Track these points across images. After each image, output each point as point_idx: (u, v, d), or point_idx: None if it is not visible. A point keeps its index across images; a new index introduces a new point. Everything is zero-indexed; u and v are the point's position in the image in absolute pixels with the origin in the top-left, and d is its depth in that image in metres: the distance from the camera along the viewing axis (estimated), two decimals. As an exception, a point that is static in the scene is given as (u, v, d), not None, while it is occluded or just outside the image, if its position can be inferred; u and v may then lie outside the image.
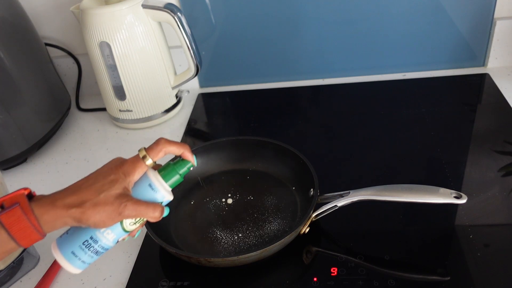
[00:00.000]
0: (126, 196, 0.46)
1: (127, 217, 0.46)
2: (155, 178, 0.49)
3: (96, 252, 0.48)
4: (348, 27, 0.93)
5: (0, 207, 0.43)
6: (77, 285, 0.62)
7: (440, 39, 0.93)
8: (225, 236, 0.64)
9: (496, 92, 0.87)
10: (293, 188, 0.70)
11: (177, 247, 0.62)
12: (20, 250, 0.63)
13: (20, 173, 0.85)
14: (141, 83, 0.87)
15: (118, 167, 0.47)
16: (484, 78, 0.92)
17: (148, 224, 0.62)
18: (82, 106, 1.03)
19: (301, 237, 0.61)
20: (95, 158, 0.86)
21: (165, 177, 0.49)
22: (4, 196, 0.44)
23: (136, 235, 0.51)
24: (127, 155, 0.91)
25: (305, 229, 0.60)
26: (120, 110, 0.90)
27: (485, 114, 0.83)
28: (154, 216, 0.48)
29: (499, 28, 0.91)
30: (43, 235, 0.44)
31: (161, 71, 0.89)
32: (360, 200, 0.59)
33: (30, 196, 0.45)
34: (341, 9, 0.91)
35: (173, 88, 0.92)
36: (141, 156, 0.48)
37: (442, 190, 0.57)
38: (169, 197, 0.50)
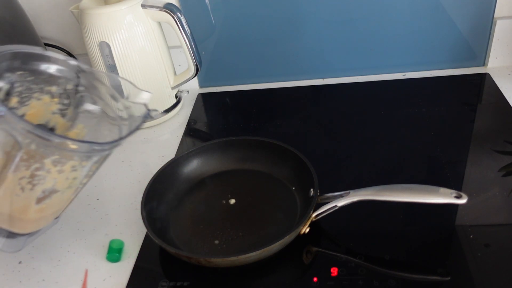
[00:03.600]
0: None
1: None
2: None
3: None
4: (348, 27, 0.93)
5: None
6: (77, 285, 0.62)
7: (440, 39, 0.93)
8: (225, 236, 0.64)
9: (496, 92, 0.87)
10: (293, 188, 0.70)
11: (177, 247, 0.62)
12: None
13: (20, 173, 0.85)
14: (141, 83, 0.87)
15: None
16: (484, 78, 0.92)
17: (148, 224, 0.62)
18: (82, 106, 1.03)
19: (301, 237, 0.60)
20: (95, 158, 0.86)
21: None
22: None
23: None
24: (126, 155, 0.90)
25: (305, 229, 0.60)
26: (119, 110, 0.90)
27: (485, 114, 0.83)
28: None
29: (499, 28, 0.91)
30: None
31: (160, 71, 0.89)
32: (360, 200, 0.59)
33: None
34: (341, 9, 0.91)
35: (173, 88, 0.92)
36: None
37: (442, 190, 0.56)
38: None
